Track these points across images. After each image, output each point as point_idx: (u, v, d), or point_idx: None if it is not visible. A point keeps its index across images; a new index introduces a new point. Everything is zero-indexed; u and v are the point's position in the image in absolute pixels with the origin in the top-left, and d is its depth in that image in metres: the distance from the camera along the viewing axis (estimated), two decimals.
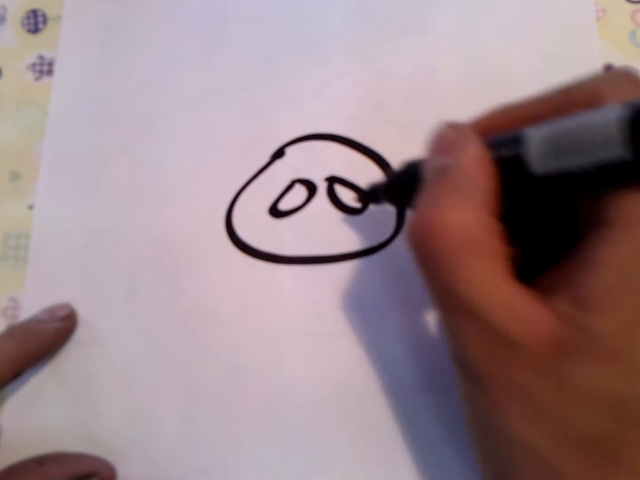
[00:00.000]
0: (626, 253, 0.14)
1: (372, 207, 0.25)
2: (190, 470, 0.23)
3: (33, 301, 0.25)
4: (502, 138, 0.16)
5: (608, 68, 0.26)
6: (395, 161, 0.25)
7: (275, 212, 0.25)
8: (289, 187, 0.25)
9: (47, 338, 0.23)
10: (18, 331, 0.23)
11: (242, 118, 0.26)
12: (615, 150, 0.13)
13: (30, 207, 0.26)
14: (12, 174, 0.27)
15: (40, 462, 0.22)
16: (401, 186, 0.20)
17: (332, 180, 0.25)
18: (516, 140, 0.15)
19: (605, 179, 0.14)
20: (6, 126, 0.27)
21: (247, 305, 0.24)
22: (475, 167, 0.16)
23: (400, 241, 0.24)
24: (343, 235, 0.25)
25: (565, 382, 0.14)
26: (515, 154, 0.15)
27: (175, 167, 0.26)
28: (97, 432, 0.23)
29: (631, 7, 0.26)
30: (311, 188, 0.25)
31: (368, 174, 0.25)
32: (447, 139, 0.17)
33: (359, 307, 0.24)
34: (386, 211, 0.25)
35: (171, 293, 0.25)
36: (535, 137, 0.15)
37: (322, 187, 0.25)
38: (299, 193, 0.25)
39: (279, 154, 0.26)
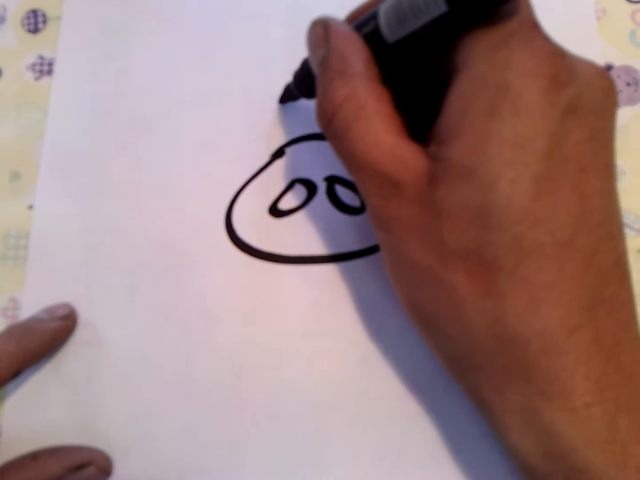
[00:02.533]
0: (465, 87, 0.16)
1: None
2: (190, 470, 0.23)
3: (33, 301, 0.25)
4: (364, 17, 0.18)
5: (608, 68, 0.26)
6: None
7: (275, 211, 0.25)
8: (289, 187, 0.25)
9: (46, 337, 0.23)
10: (18, 330, 0.23)
11: (242, 118, 0.26)
12: (439, 8, 0.15)
13: (30, 207, 0.26)
14: (12, 174, 0.27)
15: (34, 457, 0.22)
16: (304, 81, 0.22)
17: (332, 180, 0.25)
18: (373, 17, 0.18)
19: (441, 34, 0.16)
20: (6, 126, 0.27)
21: (247, 305, 0.24)
22: (345, 46, 0.18)
23: None
24: (343, 235, 0.25)
25: (436, 206, 0.16)
26: (374, 28, 0.18)
27: (175, 167, 0.26)
28: (97, 431, 0.23)
29: (631, 7, 0.26)
30: (311, 188, 0.25)
31: None
32: (316, 33, 0.19)
33: (359, 307, 0.24)
34: None
35: (171, 293, 0.25)
36: (382, 10, 0.17)
37: (322, 187, 0.25)
38: (299, 193, 0.25)
39: (279, 153, 0.26)
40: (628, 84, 0.26)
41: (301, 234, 0.25)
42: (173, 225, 0.25)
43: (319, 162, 0.26)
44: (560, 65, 0.16)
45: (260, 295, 0.24)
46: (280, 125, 0.26)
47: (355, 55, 0.18)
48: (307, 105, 0.26)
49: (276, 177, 0.26)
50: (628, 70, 0.26)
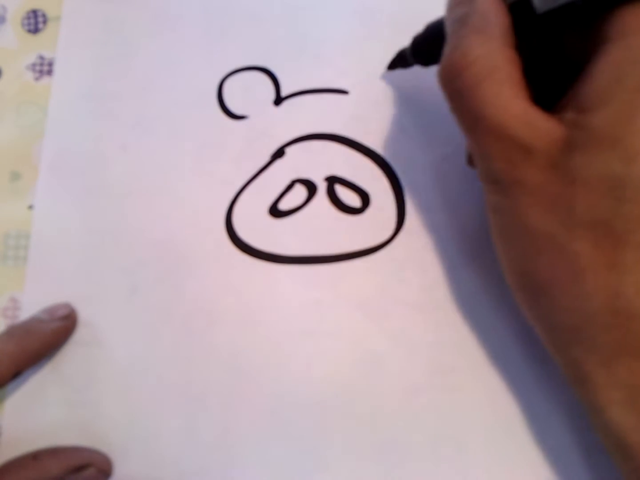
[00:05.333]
0: (619, 56, 0.16)
1: (372, 207, 0.25)
2: (190, 470, 0.23)
3: (33, 301, 0.25)
4: None
5: None
6: (396, 161, 0.25)
7: (275, 212, 0.25)
8: (289, 187, 0.25)
9: (46, 337, 0.23)
10: (18, 331, 0.23)
11: (242, 118, 0.26)
12: None
13: (30, 207, 0.26)
14: (12, 174, 0.27)
15: (35, 457, 0.22)
16: (426, 45, 0.22)
17: (332, 180, 0.25)
18: None
19: (600, 4, 0.16)
20: (6, 126, 0.27)
21: (247, 305, 0.24)
22: (489, 8, 0.18)
23: (400, 241, 0.24)
24: (343, 235, 0.25)
25: (571, 174, 0.16)
26: None
27: (175, 167, 0.26)
28: (97, 431, 0.23)
29: None
30: (311, 188, 0.25)
31: (368, 174, 0.25)
32: None
33: (359, 307, 0.24)
34: (386, 211, 0.25)
35: (171, 293, 0.25)
36: None
37: (322, 187, 0.25)
38: (299, 193, 0.25)
39: (279, 153, 0.26)
40: None
41: (301, 234, 0.25)
42: (173, 225, 0.25)
43: (319, 162, 0.26)
44: None
45: (260, 295, 0.24)
46: (280, 125, 0.26)
47: (497, 19, 0.17)
48: (308, 105, 0.26)
49: (276, 177, 0.26)
50: None
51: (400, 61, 0.24)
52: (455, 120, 0.19)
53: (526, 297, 0.19)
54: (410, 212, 0.25)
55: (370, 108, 0.26)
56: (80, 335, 0.24)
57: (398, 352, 0.23)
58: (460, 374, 0.23)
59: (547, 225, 0.17)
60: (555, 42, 0.19)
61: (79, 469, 0.22)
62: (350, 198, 0.25)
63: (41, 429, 0.24)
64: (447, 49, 0.18)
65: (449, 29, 0.19)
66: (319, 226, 0.25)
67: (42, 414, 0.24)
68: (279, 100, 0.26)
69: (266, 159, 0.26)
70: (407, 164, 0.25)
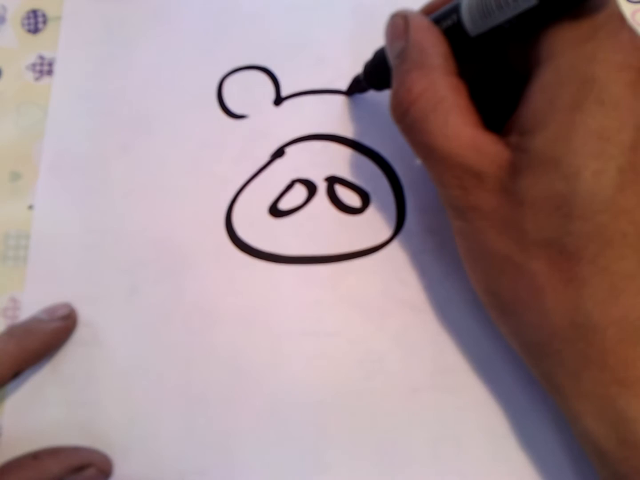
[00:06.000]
0: (550, 78, 0.16)
1: (372, 207, 0.25)
2: (190, 470, 0.23)
3: (33, 301, 0.25)
4: (444, 11, 0.18)
5: None
6: (395, 161, 0.25)
7: (275, 211, 0.25)
8: (289, 187, 0.25)
9: (46, 337, 0.23)
10: (18, 331, 0.23)
11: (242, 118, 0.26)
12: (528, 2, 0.15)
13: (30, 207, 0.26)
14: (12, 174, 0.27)
15: (35, 457, 0.22)
16: (375, 72, 0.23)
17: (332, 180, 0.25)
18: (454, 10, 0.18)
19: (526, 27, 0.16)
20: (6, 126, 0.27)
21: (247, 305, 0.24)
22: (424, 39, 0.18)
23: (400, 241, 0.24)
24: (343, 235, 0.25)
25: (518, 196, 0.16)
26: (454, 22, 0.18)
27: (175, 167, 0.26)
28: (97, 431, 0.23)
29: (631, 7, 0.26)
30: (311, 188, 0.25)
31: (368, 174, 0.25)
32: (396, 26, 0.19)
33: (359, 307, 0.24)
34: (386, 211, 0.25)
35: (171, 293, 0.25)
36: (465, 4, 0.17)
37: (322, 187, 0.25)
38: (299, 193, 0.25)
39: (278, 153, 0.26)
40: None
41: (301, 234, 0.25)
42: (173, 225, 0.25)
43: (319, 162, 0.26)
44: None
45: (260, 295, 0.24)
46: (280, 125, 0.26)
47: (434, 49, 0.18)
48: (308, 105, 0.26)
49: (276, 177, 0.26)
50: None
51: (356, 86, 0.25)
52: (412, 151, 0.19)
53: (496, 314, 0.19)
54: (410, 212, 0.25)
55: (370, 108, 0.26)
56: (80, 335, 0.24)
57: (398, 352, 0.23)
58: (460, 374, 0.23)
59: (503, 247, 0.17)
60: (497, 62, 0.20)
61: (79, 469, 0.22)
62: (350, 198, 0.25)
63: (41, 429, 0.24)
64: (393, 86, 0.19)
65: (391, 64, 0.19)
66: (319, 226, 0.25)
67: (42, 414, 0.24)
68: (279, 100, 0.26)
69: (266, 158, 0.26)
70: (407, 164, 0.25)
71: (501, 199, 0.17)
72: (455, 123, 0.17)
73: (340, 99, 0.26)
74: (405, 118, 0.18)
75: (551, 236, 0.16)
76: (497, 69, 0.20)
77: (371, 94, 0.26)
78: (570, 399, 0.17)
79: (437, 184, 0.19)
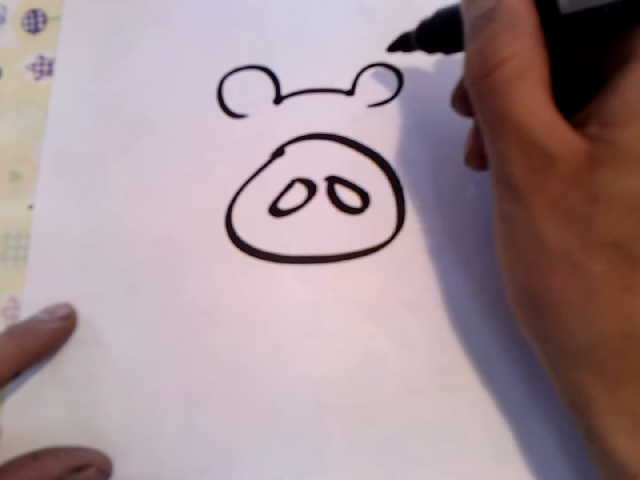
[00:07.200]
0: None
1: (372, 207, 0.25)
2: (190, 470, 0.23)
3: (33, 301, 0.25)
4: None
5: None
6: (396, 161, 0.25)
7: (275, 211, 0.25)
8: (289, 187, 0.25)
9: (46, 337, 0.23)
10: (18, 331, 0.23)
11: (241, 118, 0.26)
12: None
13: (30, 207, 0.26)
14: (12, 174, 0.27)
15: (35, 457, 0.22)
16: (434, 32, 0.21)
17: (332, 180, 0.25)
18: None
19: (627, 13, 0.15)
20: (6, 126, 0.27)
21: (247, 305, 0.24)
22: (518, 2, 0.17)
23: (400, 241, 0.24)
24: (343, 235, 0.25)
25: (594, 190, 0.15)
26: None
27: (175, 167, 0.26)
28: (97, 431, 0.23)
29: None
30: (311, 187, 0.25)
31: (368, 174, 0.25)
32: None
33: (359, 307, 0.24)
34: (386, 211, 0.25)
35: (171, 293, 0.25)
36: None
37: (322, 187, 0.25)
38: (299, 192, 0.25)
39: (278, 152, 0.26)
40: None
41: (301, 234, 0.25)
42: (173, 225, 0.25)
43: (319, 162, 0.26)
44: None
45: (260, 295, 0.24)
46: (280, 124, 0.26)
47: (528, 15, 0.16)
48: (308, 104, 0.26)
49: (276, 176, 0.26)
50: None
51: (402, 44, 0.24)
52: (478, 117, 0.18)
53: (528, 315, 0.18)
54: (410, 212, 0.25)
55: (370, 108, 0.26)
56: (80, 335, 0.24)
57: (398, 352, 0.23)
58: (460, 374, 0.23)
59: (562, 241, 0.16)
60: (573, 51, 0.19)
61: (79, 469, 0.22)
62: (350, 198, 0.25)
63: (41, 429, 0.24)
64: (474, 45, 0.17)
65: (469, 22, 0.18)
66: (319, 226, 0.25)
67: (42, 414, 0.24)
68: (279, 99, 0.26)
69: (266, 158, 0.26)
70: (407, 164, 0.25)
71: (572, 189, 0.16)
72: (539, 98, 0.16)
73: (341, 99, 0.26)
74: (486, 79, 0.17)
75: (620, 238, 0.15)
76: (568, 60, 0.19)
77: (371, 94, 0.26)
78: (601, 413, 0.16)
79: (499, 159, 0.17)
